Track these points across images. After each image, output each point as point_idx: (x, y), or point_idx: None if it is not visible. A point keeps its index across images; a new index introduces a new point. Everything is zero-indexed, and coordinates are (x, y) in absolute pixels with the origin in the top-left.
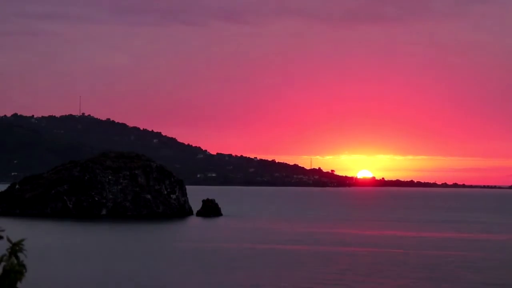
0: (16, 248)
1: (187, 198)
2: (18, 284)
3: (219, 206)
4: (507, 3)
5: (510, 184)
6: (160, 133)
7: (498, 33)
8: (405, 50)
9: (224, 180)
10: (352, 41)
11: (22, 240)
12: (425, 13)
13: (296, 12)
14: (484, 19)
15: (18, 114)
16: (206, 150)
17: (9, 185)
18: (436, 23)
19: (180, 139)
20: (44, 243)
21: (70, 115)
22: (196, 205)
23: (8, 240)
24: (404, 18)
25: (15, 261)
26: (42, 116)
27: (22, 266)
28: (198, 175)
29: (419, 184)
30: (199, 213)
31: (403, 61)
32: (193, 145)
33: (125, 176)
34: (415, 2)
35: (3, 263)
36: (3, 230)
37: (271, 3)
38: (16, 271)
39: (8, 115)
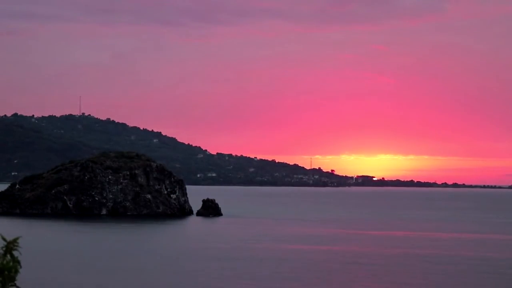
0: (10, 246)
1: (187, 198)
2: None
3: (219, 206)
4: None
5: (510, 184)
6: (160, 133)
7: (486, 33)
8: (397, 49)
9: (224, 180)
10: (343, 41)
11: (17, 238)
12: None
13: (279, 13)
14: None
15: (18, 114)
16: (206, 150)
17: (9, 185)
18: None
19: (180, 139)
20: (44, 243)
21: (70, 115)
22: (196, 205)
23: (3, 238)
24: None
25: (10, 259)
26: (42, 116)
27: (16, 262)
28: (198, 175)
29: (419, 184)
30: (199, 213)
31: (399, 61)
32: (193, 145)
33: (125, 176)
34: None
35: None
36: None
37: (249, 3)
38: (9, 268)
39: (8, 115)
